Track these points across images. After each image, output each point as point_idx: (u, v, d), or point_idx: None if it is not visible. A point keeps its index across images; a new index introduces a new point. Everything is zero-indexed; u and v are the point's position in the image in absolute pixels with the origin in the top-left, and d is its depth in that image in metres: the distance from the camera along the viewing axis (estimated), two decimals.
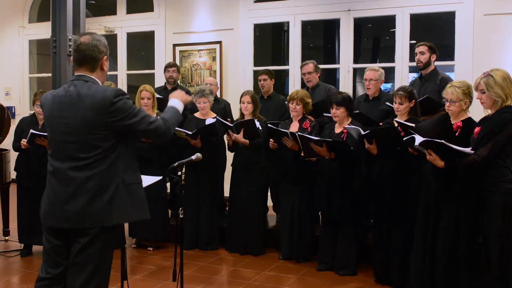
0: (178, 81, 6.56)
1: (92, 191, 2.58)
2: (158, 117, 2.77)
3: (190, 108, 5.86)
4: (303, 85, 6.08)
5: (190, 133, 5.15)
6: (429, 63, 5.08)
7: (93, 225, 2.58)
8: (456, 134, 3.68)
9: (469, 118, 3.79)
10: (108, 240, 2.66)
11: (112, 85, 5.43)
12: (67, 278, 2.65)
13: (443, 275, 3.71)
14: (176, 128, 5.14)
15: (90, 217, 2.58)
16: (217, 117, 5.30)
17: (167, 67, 6.30)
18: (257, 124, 5.07)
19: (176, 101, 2.93)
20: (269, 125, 4.96)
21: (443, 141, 3.42)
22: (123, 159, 2.68)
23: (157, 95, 5.53)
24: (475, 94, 3.74)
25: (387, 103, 4.82)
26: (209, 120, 5.36)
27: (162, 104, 5.59)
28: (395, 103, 4.25)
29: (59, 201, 2.62)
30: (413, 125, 3.92)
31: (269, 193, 5.84)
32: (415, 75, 7.86)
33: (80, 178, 2.58)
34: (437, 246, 3.76)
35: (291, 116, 5.12)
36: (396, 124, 4.23)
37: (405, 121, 4.15)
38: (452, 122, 3.76)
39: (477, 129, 3.51)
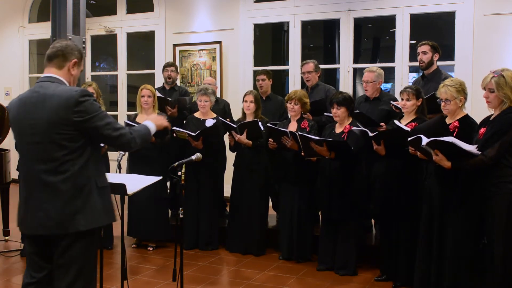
0: (177, 81, 6.54)
1: (65, 196, 2.54)
2: (126, 127, 2.76)
3: (190, 108, 5.86)
4: (303, 85, 6.07)
5: (194, 134, 5.13)
6: (431, 63, 5.02)
7: (67, 231, 2.55)
8: (454, 135, 3.66)
9: (466, 116, 3.79)
10: (90, 240, 2.64)
11: (93, 84, 5.37)
12: (53, 281, 2.63)
13: (450, 276, 3.71)
14: (178, 129, 5.16)
15: (65, 223, 2.55)
16: (219, 118, 5.29)
17: (166, 66, 6.29)
18: (260, 124, 5.07)
19: (149, 123, 2.92)
20: (268, 124, 4.96)
21: (453, 140, 3.41)
22: (95, 162, 2.66)
23: (158, 94, 5.53)
24: (469, 90, 3.73)
25: (392, 102, 4.81)
26: (209, 121, 5.34)
27: (161, 104, 5.60)
28: (402, 99, 4.24)
29: (32, 208, 2.59)
30: (409, 129, 3.93)
31: None
32: (415, 75, 7.86)
33: (53, 183, 2.54)
34: (442, 246, 3.76)
35: (289, 116, 5.11)
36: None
37: (412, 120, 4.17)
38: (450, 122, 3.76)
39: (482, 130, 3.50)
